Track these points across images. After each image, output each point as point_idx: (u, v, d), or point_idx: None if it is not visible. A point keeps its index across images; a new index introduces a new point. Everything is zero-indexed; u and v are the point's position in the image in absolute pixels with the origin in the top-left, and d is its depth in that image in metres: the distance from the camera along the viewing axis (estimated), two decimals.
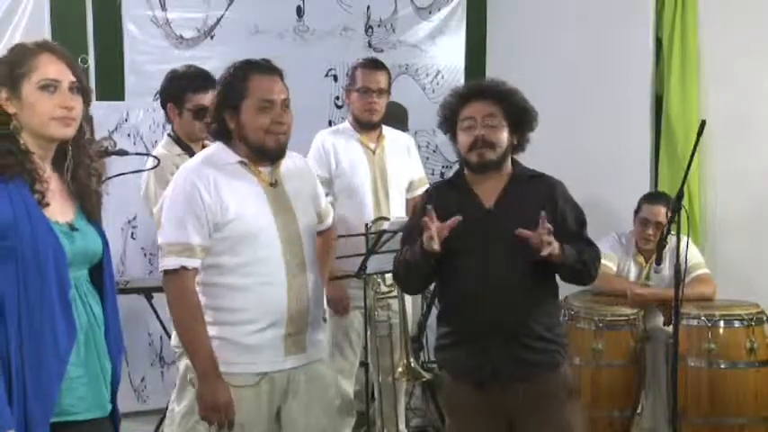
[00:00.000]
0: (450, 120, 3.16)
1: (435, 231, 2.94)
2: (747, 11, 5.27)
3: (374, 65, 4.40)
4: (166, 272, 2.86)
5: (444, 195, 3.17)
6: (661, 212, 4.70)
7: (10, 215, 2.24)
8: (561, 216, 3.08)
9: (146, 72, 5.27)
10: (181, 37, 5.48)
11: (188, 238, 2.82)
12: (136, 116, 5.27)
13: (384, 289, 4.22)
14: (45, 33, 5.35)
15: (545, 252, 2.91)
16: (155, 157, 3.46)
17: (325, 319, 3.13)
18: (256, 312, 2.88)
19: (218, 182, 2.86)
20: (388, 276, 4.17)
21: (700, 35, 5.41)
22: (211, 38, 5.57)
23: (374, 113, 4.34)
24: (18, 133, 2.32)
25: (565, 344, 3.17)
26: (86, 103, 2.41)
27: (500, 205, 3.09)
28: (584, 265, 3.08)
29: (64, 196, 2.42)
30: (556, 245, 2.93)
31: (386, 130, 4.48)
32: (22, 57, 2.34)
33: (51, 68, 2.33)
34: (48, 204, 2.33)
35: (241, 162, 2.93)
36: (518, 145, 3.16)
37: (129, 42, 5.29)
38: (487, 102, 3.09)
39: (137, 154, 3.57)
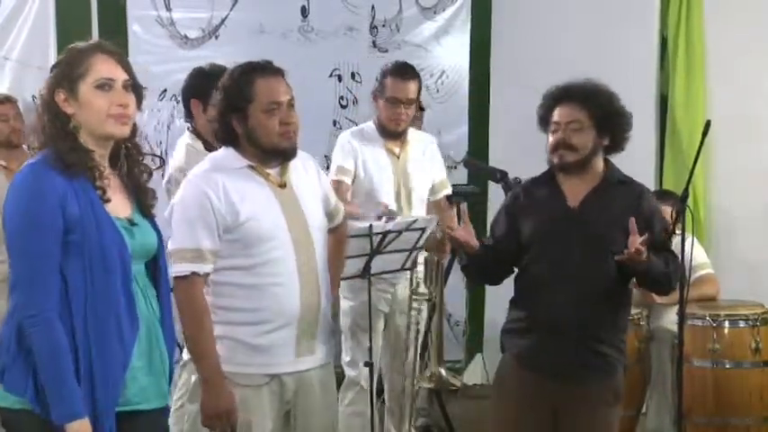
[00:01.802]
0: (544, 121, 3.24)
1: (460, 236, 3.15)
2: (752, 10, 5.27)
3: (405, 74, 4.25)
4: (176, 278, 2.85)
5: (533, 191, 3.27)
6: (667, 211, 4.69)
7: (76, 211, 2.32)
8: (646, 224, 3.11)
9: (150, 72, 5.27)
10: (185, 37, 5.49)
11: (198, 244, 2.82)
12: (140, 116, 5.25)
13: (423, 290, 4.17)
14: (50, 33, 5.38)
15: (641, 257, 2.97)
16: (160, 157, 3.46)
17: (334, 323, 3.14)
18: (268, 313, 2.88)
19: (227, 186, 2.86)
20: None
21: (705, 34, 5.41)
22: (216, 38, 5.59)
23: (401, 124, 4.24)
24: (77, 132, 2.40)
25: (625, 351, 3.22)
26: (139, 101, 2.51)
27: (584, 205, 3.16)
28: (667, 276, 3.14)
29: (122, 192, 2.50)
30: (644, 251, 2.98)
31: (410, 132, 4.39)
32: (77, 58, 2.41)
33: (105, 67, 2.41)
34: (109, 200, 2.41)
35: (249, 166, 2.93)
36: (612, 146, 3.22)
37: (134, 42, 5.31)
38: (573, 105, 3.16)
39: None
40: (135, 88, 2.48)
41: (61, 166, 2.34)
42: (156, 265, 2.54)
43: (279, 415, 2.95)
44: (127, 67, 2.46)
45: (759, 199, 5.27)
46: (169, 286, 2.59)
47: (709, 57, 5.41)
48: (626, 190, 3.22)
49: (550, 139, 3.19)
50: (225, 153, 2.97)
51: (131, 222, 2.47)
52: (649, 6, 5.55)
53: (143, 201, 2.53)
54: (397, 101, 4.20)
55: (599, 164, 3.22)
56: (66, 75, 2.40)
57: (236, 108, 2.89)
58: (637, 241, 2.97)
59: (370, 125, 4.37)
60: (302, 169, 3.04)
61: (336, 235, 3.19)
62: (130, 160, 2.53)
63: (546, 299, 3.11)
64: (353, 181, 4.25)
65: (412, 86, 4.25)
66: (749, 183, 5.30)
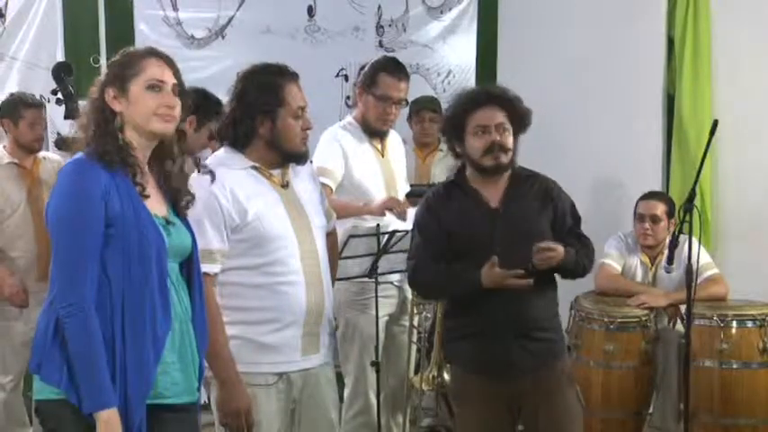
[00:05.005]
0: (458, 126, 3.24)
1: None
2: (759, 10, 5.25)
3: (400, 72, 4.14)
4: None
5: (446, 201, 3.27)
6: (655, 206, 4.73)
7: (117, 206, 2.40)
8: (560, 212, 3.26)
9: None
10: (192, 37, 5.51)
11: (208, 244, 2.83)
12: None
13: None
14: (58, 33, 5.40)
15: (545, 265, 3.09)
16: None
17: (336, 325, 3.15)
18: (276, 312, 2.90)
19: (233, 186, 2.88)
20: None
21: (712, 34, 5.39)
22: (223, 38, 5.60)
23: (389, 123, 4.17)
24: (122, 131, 2.48)
25: (562, 332, 3.36)
26: (185, 107, 2.60)
27: (505, 204, 3.22)
28: (581, 265, 3.25)
29: (158, 192, 2.58)
30: (556, 256, 3.10)
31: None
32: (132, 59, 2.54)
33: (158, 71, 2.53)
34: (147, 196, 2.49)
35: (253, 166, 2.95)
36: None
37: (141, 42, 5.30)
38: (495, 107, 3.20)
39: None
40: (182, 94, 2.57)
41: (104, 162, 2.41)
42: (189, 265, 2.59)
43: (286, 413, 2.98)
44: (177, 73, 2.57)
45: (766, 198, 5.26)
46: (202, 287, 2.63)
47: (716, 57, 5.39)
48: (535, 183, 3.28)
49: (477, 142, 3.19)
50: (226, 154, 2.99)
51: (168, 221, 2.54)
52: (656, 6, 5.53)
53: (180, 202, 2.60)
54: (389, 99, 4.09)
55: None
56: (119, 74, 2.50)
57: (265, 110, 2.91)
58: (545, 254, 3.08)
59: (351, 122, 4.20)
60: (301, 172, 3.08)
61: (329, 239, 3.18)
62: (174, 162, 2.60)
63: (485, 301, 3.13)
64: (341, 181, 4.09)
65: (405, 84, 4.15)
66: (756, 182, 5.28)
